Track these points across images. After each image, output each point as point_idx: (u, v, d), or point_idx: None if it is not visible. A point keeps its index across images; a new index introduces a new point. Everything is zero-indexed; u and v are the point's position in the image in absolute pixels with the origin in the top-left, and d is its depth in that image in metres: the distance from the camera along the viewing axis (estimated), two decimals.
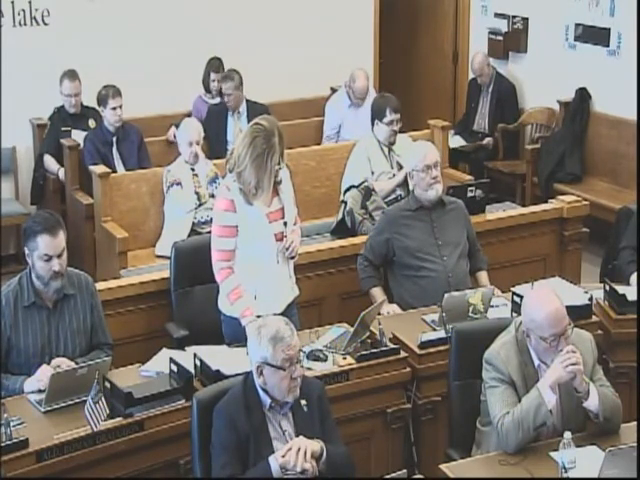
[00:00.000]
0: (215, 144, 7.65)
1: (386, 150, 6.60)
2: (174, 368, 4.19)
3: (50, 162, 7.61)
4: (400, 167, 6.45)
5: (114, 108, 7.23)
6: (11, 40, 7.73)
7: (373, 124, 6.61)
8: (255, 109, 7.61)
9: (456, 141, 8.83)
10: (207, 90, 8.21)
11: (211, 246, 4.75)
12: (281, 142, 4.63)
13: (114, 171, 6.95)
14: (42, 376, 4.19)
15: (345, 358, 4.49)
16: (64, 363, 4.25)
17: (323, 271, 5.69)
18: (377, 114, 6.58)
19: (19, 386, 4.23)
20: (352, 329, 4.56)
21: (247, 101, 7.88)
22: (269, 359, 3.70)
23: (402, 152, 6.53)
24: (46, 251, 4.27)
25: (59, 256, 4.30)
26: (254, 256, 4.69)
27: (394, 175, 6.49)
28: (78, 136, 7.49)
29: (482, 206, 6.17)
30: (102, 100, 7.29)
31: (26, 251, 4.34)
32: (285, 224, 4.73)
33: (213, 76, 8.15)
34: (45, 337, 4.36)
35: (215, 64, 8.17)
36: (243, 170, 4.60)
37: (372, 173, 6.51)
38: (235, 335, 4.69)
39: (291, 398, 3.75)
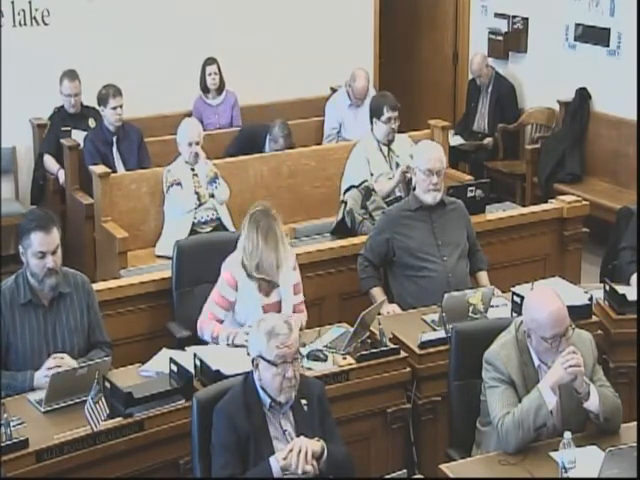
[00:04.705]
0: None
1: (385, 151, 6.59)
2: (174, 368, 4.19)
3: (50, 162, 7.60)
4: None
5: (114, 108, 7.21)
6: (11, 40, 7.73)
7: (372, 123, 6.61)
8: None
9: (456, 141, 8.83)
10: (204, 90, 8.21)
11: (210, 296, 4.80)
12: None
13: (114, 171, 6.94)
14: (50, 364, 4.20)
15: (345, 358, 4.49)
16: (66, 357, 4.26)
17: (323, 271, 5.69)
18: (375, 112, 6.58)
19: (28, 383, 4.22)
20: (352, 329, 4.55)
21: None
22: (263, 352, 3.72)
23: (401, 152, 6.53)
24: (40, 248, 4.26)
25: (53, 253, 4.29)
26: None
27: (394, 176, 6.48)
28: (78, 136, 7.48)
29: (482, 206, 6.16)
30: (102, 100, 7.28)
31: (20, 249, 4.34)
32: None
33: (209, 69, 8.14)
34: (42, 335, 4.35)
35: (210, 62, 8.17)
36: (260, 258, 4.64)
37: (371, 175, 6.50)
38: None
39: (283, 399, 3.75)
